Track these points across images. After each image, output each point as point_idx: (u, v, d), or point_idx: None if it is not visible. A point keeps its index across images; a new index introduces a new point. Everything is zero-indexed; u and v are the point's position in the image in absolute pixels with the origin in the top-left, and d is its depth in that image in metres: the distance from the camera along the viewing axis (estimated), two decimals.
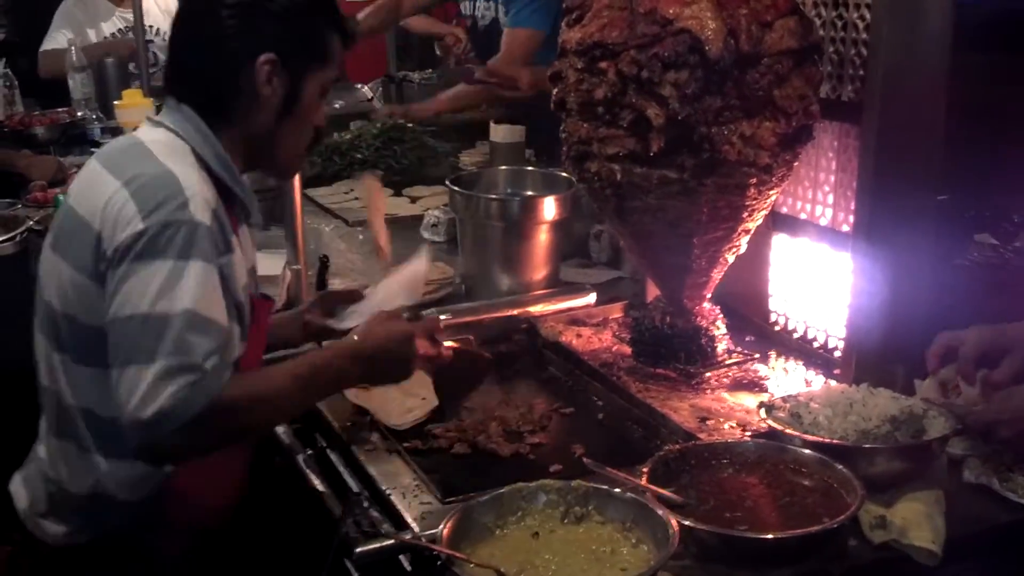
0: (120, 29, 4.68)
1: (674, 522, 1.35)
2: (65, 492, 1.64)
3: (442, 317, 2.26)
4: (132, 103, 3.50)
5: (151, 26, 4.68)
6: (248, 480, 1.81)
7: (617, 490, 1.45)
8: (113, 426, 1.49)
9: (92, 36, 4.70)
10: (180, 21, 1.70)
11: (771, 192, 1.93)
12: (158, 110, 3.33)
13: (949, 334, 1.68)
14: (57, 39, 4.64)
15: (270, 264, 2.33)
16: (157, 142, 1.60)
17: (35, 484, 1.69)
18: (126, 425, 1.41)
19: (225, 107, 1.64)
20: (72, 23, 4.70)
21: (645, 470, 1.51)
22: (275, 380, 1.56)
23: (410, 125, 3.90)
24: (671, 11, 1.76)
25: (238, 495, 1.79)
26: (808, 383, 2.04)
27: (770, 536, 1.40)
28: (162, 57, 4.67)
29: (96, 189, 1.56)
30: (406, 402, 1.89)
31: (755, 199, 1.90)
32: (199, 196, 1.52)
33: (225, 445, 1.52)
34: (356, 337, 1.70)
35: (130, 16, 4.64)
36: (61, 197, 2.76)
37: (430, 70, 4.86)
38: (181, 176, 1.52)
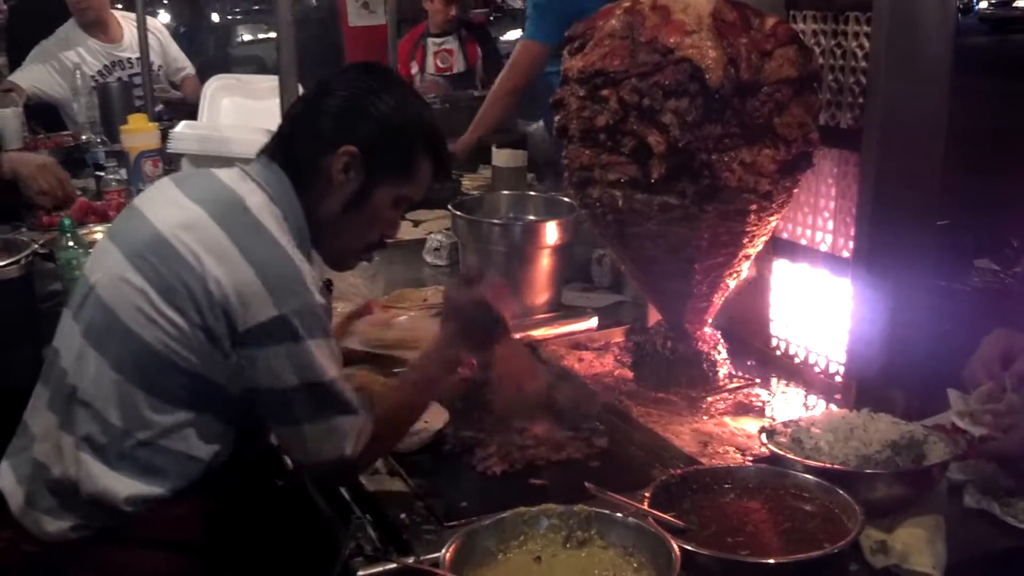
0: (105, 66, 4.65)
1: (676, 547, 1.36)
2: (72, 490, 1.66)
3: None
4: (138, 128, 3.52)
5: (129, 59, 4.66)
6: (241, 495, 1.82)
7: (619, 514, 1.46)
8: (140, 447, 1.63)
9: (73, 76, 4.58)
10: (308, 94, 1.81)
11: (771, 218, 1.95)
12: (163, 135, 3.39)
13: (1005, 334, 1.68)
14: (22, 74, 4.55)
15: None
16: (264, 212, 1.66)
17: (33, 480, 1.69)
18: (314, 464, 1.66)
19: (304, 180, 1.72)
20: (47, 58, 4.57)
21: (647, 495, 1.52)
22: (399, 396, 1.78)
23: None
24: (672, 40, 1.79)
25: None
26: (809, 408, 2.05)
27: (772, 561, 1.40)
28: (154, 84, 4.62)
29: (206, 244, 1.61)
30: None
31: (755, 225, 1.92)
32: (310, 275, 1.64)
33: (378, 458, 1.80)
34: (441, 327, 1.83)
35: (116, 52, 4.64)
36: (67, 221, 2.78)
37: (433, 95, 4.89)
38: (297, 261, 1.63)
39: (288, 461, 1.83)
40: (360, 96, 1.73)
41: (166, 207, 1.70)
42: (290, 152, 1.74)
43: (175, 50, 4.92)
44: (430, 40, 5.49)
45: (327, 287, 2.17)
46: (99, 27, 4.65)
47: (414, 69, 5.68)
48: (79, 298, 1.71)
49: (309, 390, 1.61)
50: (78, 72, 4.31)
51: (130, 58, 4.66)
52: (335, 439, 1.63)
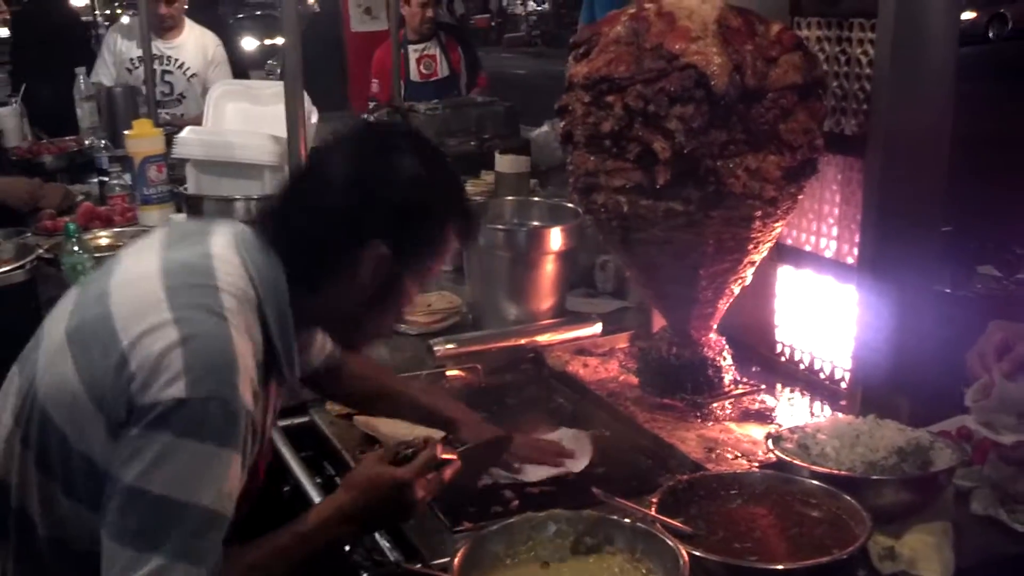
0: (139, 56, 4.75)
1: (684, 552, 1.36)
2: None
3: (448, 346, 2.28)
4: (142, 133, 3.52)
5: (182, 63, 4.78)
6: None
7: (627, 520, 1.46)
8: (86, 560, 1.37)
9: (132, 63, 4.80)
10: (306, 175, 1.60)
11: (776, 224, 1.95)
12: (168, 140, 3.39)
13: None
14: (99, 72, 4.78)
15: None
16: (229, 283, 1.44)
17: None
18: None
19: (316, 278, 1.51)
20: (112, 51, 4.86)
21: (654, 500, 1.52)
22: (262, 560, 1.44)
23: None
24: (677, 47, 1.79)
25: None
26: (814, 414, 2.05)
27: (780, 567, 1.40)
28: (177, 88, 4.74)
29: (142, 304, 1.40)
30: (415, 431, 1.89)
31: (760, 231, 1.92)
32: (248, 373, 1.38)
33: None
34: (344, 494, 1.51)
35: (163, 48, 4.74)
36: (72, 226, 2.79)
37: (435, 100, 4.90)
38: (239, 346, 1.38)
39: None
40: (379, 178, 1.50)
41: (133, 262, 1.51)
42: (290, 236, 1.50)
43: (224, 72, 4.95)
44: (410, 47, 5.48)
45: None
46: (165, 27, 4.80)
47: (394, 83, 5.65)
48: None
49: (157, 504, 1.30)
50: (81, 78, 4.32)
51: (171, 56, 4.77)
52: (111, 570, 1.29)
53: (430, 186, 1.53)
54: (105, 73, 4.79)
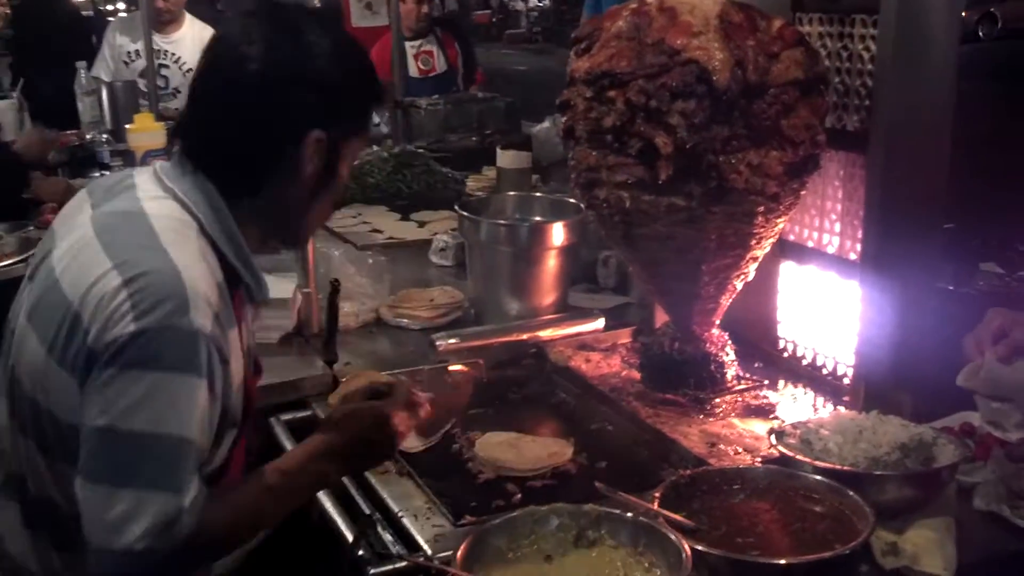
0: (136, 50, 4.75)
1: (687, 547, 1.36)
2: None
3: (450, 341, 2.28)
4: (144, 127, 3.53)
5: (179, 58, 4.78)
6: None
7: (629, 514, 1.46)
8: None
9: (129, 56, 4.81)
10: (215, 78, 1.51)
11: (779, 220, 1.95)
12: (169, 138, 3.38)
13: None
14: (99, 67, 4.78)
15: (280, 288, 2.34)
16: (163, 219, 1.44)
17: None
18: (92, 548, 1.30)
19: (255, 181, 1.50)
20: (111, 46, 4.86)
21: (657, 495, 1.52)
22: (249, 499, 1.44)
23: (419, 150, 3.94)
24: (679, 42, 1.79)
25: None
26: (816, 410, 2.05)
27: (783, 562, 1.41)
28: (172, 82, 4.75)
29: (85, 264, 1.40)
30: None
31: (763, 227, 1.92)
32: (202, 298, 1.37)
33: (201, 568, 1.46)
34: (324, 433, 1.54)
35: (161, 43, 4.73)
36: None
37: (436, 96, 4.90)
38: (185, 273, 1.37)
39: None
40: (296, 64, 1.46)
41: (70, 229, 1.50)
42: (218, 153, 1.49)
43: None
44: (407, 44, 5.48)
45: (334, 288, 2.17)
46: (163, 22, 4.79)
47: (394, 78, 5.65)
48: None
49: (126, 439, 1.29)
50: (82, 72, 4.32)
51: (168, 51, 4.76)
52: (132, 517, 1.28)
53: (345, 58, 1.52)
54: (104, 68, 4.79)
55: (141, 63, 4.71)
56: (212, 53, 1.52)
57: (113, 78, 4.62)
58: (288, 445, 1.94)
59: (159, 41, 4.74)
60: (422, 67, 5.55)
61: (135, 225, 1.43)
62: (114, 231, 1.43)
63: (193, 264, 1.40)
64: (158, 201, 1.47)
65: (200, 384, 1.35)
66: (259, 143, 1.48)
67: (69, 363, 1.37)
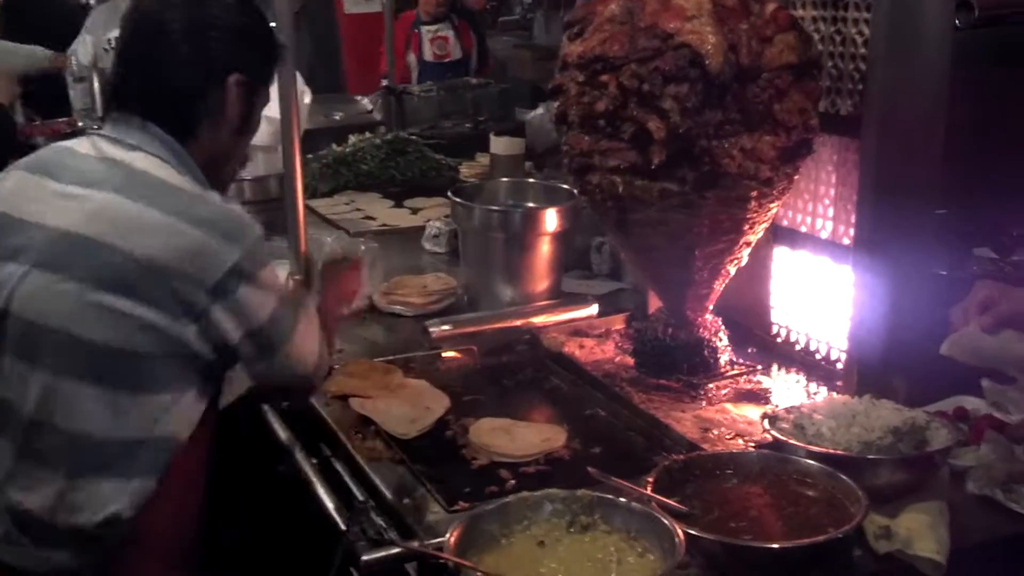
0: (114, 37, 4.72)
1: (680, 531, 1.36)
2: (54, 520, 1.57)
3: (444, 328, 2.28)
4: None
5: None
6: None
7: (623, 499, 1.46)
8: (106, 447, 1.56)
9: (109, 43, 4.76)
10: (136, 35, 1.70)
11: (772, 205, 1.94)
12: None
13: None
14: (76, 46, 4.70)
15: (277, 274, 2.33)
16: (157, 170, 1.62)
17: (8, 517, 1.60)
18: (307, 372, 1.74)
19: (188, 122, 1.68)
20: (91, 30, 4.78)
21: (650, 480, 1.52)
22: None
23: (413, 137, 3.93)
24: (672, 26, 1.78)
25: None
26: (810, 395, 2.05)
27: (776, 546, 1.41)
28: None
29: (134, 223, 1.56)
30: (411, 412, 1.89)
31: (756, 212, 1.92)
32: (235, 207, 1.65)
33: None
34: None
35: None
36: None
37: (429, 83, 4.88)
38: (217, 200, 1.63)
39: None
40: (212, 13, 1.69)
41: (55, 203, 1.59)
42: (157, 100, 1.66)
43: None
44: (424, 28, 5.47)
45: (307, 262, 2.23)
46: None
47: (410, 58, 5.66)
48: None
49: (281, 308, 1.65)
50: (73, 59, 4.30)
51: None
52: (309, 340, 1.72)
53: (249, 11, 1.75)
54: (83, 50, 4.70)
55: None
56: (134, 17, 1.71)
57: (90, 61, 4.54)
58: (281, 433, 1.93)
59: None
60: (437, 52, 5.56)
61: (152, 183, 1.60)
62: (140, 193, 1.58)
63: (211, 194, 1.64)
64: (142, 158, 1.63)
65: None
66: (190, 83, 1.67)
67: (164, 305, 1.55)
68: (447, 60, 5.55)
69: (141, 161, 1.62)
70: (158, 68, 1.67)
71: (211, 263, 1.56)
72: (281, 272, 2.38)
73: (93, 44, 4.76)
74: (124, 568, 1.61)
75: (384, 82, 4.92)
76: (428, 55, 5.49)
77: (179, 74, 1.66)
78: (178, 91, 1.67)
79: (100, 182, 1.60)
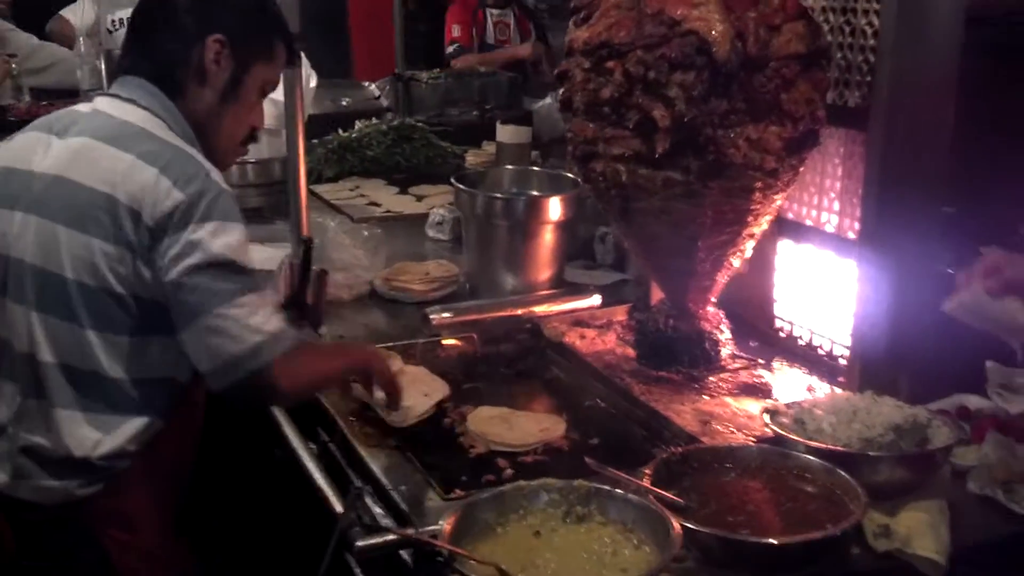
0: (121, 19, 4.68)
1: (676, 524, 1.34)
2: (61, 454, 1.66)
3: (444, 315, 2.26)
4: None
5: None
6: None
7: (619, 491, 1.45)
8: (105, 384, 1.65)
9: (113, 25, 4.74)
10: (149, 12, 1.80)
11: (776, 197, 1.92)
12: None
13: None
14: (75, 10, 4.68)
15: (268, 258, 2.32)
16: (144, 122, 1.70)
17: (15, 455, 1.69)
18: (244, 360, 1.61)
19: (177, 81, 1.75)
20: (101, 3, 4.74)
21: (648, 472, 1.51)
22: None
23: (419, 124, 3.92)
24: (679, 12, 1.76)
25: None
26: (812, 390, 2.03)
27: (774, 541, 1.39)
28: None
29: (104, 163, 1.64)
30: (408, 399, 1.88)
31: (760, 203, 1.90)
32: (213, 170, 1.66)
33: None
34: None
35: None
36: None
37: (437, 69, 4.86)
38: (194, 155, 1.67)
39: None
40: None
41: (47, 152, 1.71)
42: (153, 60, 1.76)
43: None
44: (489, 10, 5.48)
45: (307, 246, 2.20)
46: None
47: (473, 35, 5.62)
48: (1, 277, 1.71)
49: (218, 267, 1.59)
50: (81, 39, 4.28)
51: None
52: (251, 325, 1.60)
53: None
54: (75, 12, 4.69)
55: (123, 33, 4.65)
56: None
57: (79, 28, 4.50)
58: (282, 420, 1.92)
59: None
60: (499, 37, 5.57)
61: (133, 131, 1.68)
62: (117, 137, 1.67)
63: (192, 149, 1.69)
64: (132, 110, 1.71)
65: (245, 232, 1.66)
66: (176, 42, 1.75)
67: (119, 240, 1.61)
68: (507, 46, 5.57)
69: (131, 114, 1.71)
70: (155, 27, 1.77)
71: (158, 202, 1.59)
72: (278, 256, 2.37)
73: (90, 12, 4.72)
74: (128, 495, 1.68)
75: (450, 48, 5.03)
76: (491, 38, 5.50)
77: (169, 33, 1.75)
78: (166, 49, 1.75)
79: (86, 131, 1.70)
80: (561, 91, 1.94)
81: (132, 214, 1.61)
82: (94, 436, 1.65)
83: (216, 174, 1.67)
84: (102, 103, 1.76)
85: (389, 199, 3.48)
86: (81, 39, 4.31)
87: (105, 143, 1.67)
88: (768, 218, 1.96)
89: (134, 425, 1.67)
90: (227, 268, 1.60)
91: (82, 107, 1.80)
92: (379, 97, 4.61)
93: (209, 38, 1.74)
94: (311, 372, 1.74)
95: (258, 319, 1.61)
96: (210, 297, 1.59)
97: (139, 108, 1.72)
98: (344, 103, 4.56)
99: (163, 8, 1.78)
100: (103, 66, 4.28)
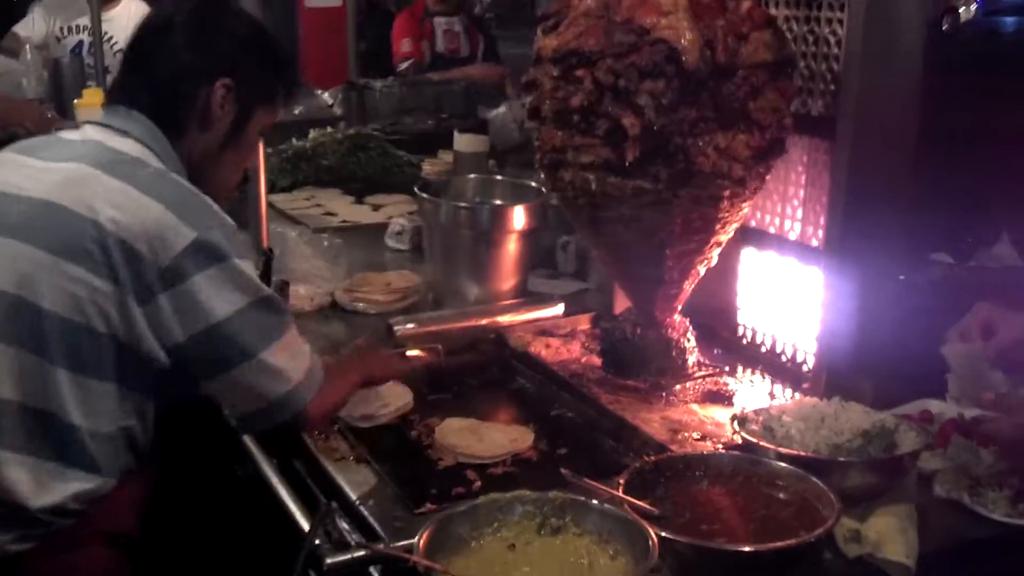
0: (68, 27, 4.60)
1: (653, 535, 1.33)
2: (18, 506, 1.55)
3: (408, 326, 2.24)
4: (93, 102, 3.41)
5: (111, 37, 4.59)
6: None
7: (595, 501, 1.43)
8: (87, 436, 1.54)
9: (62, 32, 4.65)
10: (145, 30, 1.74)
11: (744, 204, 1.93)
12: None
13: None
14: (26, 25, 4.61)
15: None
16: (140, 154, 1.64)
17: None
18: (284, 402, 1.62)
19: (178, 120, 1.69)
20: (50, 12, 4.67)
21: (621, 481, 1.50)
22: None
23: (375, 133, 3.88)
24: (648, 21, 1.76)
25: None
26: (776, 397, 2.04)
27: (749, 549, 1.39)
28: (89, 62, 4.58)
29: (98, 191, 1.56)
30: (372, 405, 1.86)
31: (728, 211, 1.90)
32: (215, 206, 1.62)
33: None
34: None
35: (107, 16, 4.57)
36: None
37: (391, 78, 4.83)
38: (197, 192, 1.62)
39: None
40: (218, 17, 1.73)
41: (30, 175, 1.62)
42: (154, 95, 1.69)
43: None
44: (436, 19, 5.45)
45: (267, 257, 2.16)
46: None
47: (424, 45, 5.57)
48: None
49: (255, 307, 1.57)
50: (28, 46, 4.18)
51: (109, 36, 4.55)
52: (293, 364, 1.61)
53: (259, 32, 1.78)
54: (27, 27, 4.60)
55: (72, 40, 4.56)
56: (147, 17, 1.77)
57: (32, 41, 4.43)
58: (245, 437, 1.86)
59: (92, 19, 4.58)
60: (448, 46, 5.52)
61: (131, 163, 1.62)
62: (118, 169, 1.59)
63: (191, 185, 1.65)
64: (124, 141, 1.65)
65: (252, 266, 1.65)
66: (181, 80, 1.68)
67: (111, 276, 1.53)
68: (457, 55, 5.52)
69: (123, 144, 1.65)
70: (156, 61, 1.70)
71: (166, 241, 1.53)
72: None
73: (41, 25, 4.64)
74: (66, 559, 1.57)
75: (403, 65, 4.98)
76: (440, 47, 5.46)
77: (173, 69, 1.69)
78: (169, 86, 1.68)
79: (77, 157, 1.62)
80: (529, 99, 1.93)
81: (128, 250, 1.52)
82: (34, 484, 1.52)
83: (220, 210, 1.63)
84: (91, 132, 1.68)
85: (346, 209, 3.44)
86: (27, 47, 4.21)
87: (99, 170, 1.59)
88: (735, 226, 1.97)
89: (81, 482, 1.55)
90: (263, 306, 1.59)
91: (67, 134, 1.73)
92: (332, 105, 4.56)
93: (218, 82, 1.68)
94: (336, 398, 1.75)
95: (294, 362, 1.62)
96: (253, 341, 1.58)
97: (132, 140, 1.66)
98: (297, 112, 4.50)
99: (170, 40, 1.70)
100: (47, 76, 4.20)
